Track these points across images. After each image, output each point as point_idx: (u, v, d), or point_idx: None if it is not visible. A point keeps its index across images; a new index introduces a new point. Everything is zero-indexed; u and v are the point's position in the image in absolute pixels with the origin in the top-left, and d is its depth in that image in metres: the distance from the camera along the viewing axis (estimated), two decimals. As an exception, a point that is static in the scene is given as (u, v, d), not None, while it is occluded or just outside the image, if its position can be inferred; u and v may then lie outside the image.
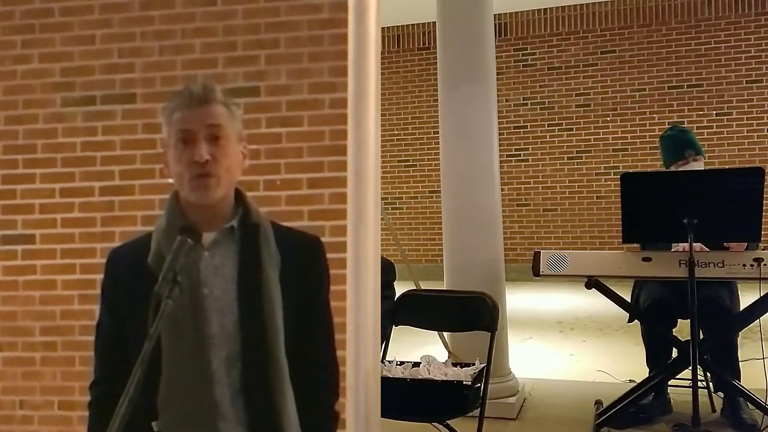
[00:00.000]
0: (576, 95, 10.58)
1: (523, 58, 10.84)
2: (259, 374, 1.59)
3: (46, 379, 1.91)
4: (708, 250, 3.51)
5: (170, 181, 1.66)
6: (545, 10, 10.68)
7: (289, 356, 1.62)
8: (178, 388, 1.58)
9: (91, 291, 1.83)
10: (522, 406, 4.18)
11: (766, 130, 9.81)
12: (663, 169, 4.18)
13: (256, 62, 1.87)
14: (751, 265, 3.33)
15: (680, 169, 3.94)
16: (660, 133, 4.41)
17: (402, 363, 3.12)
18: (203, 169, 1.60)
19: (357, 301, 1.62)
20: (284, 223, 1.75)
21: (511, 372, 4.27)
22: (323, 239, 1.76)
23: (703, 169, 3.94)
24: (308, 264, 1.69)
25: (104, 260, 1.70)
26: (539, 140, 10.77)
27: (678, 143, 4.02)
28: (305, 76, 1.84)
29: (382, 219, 2.28)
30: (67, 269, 1.91)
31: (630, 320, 3.95)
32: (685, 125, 9.60)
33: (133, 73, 1.92)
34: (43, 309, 1.91)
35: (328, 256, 1.71)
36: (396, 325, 3.36)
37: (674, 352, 3.77)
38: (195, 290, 1.59)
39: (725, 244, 3.55)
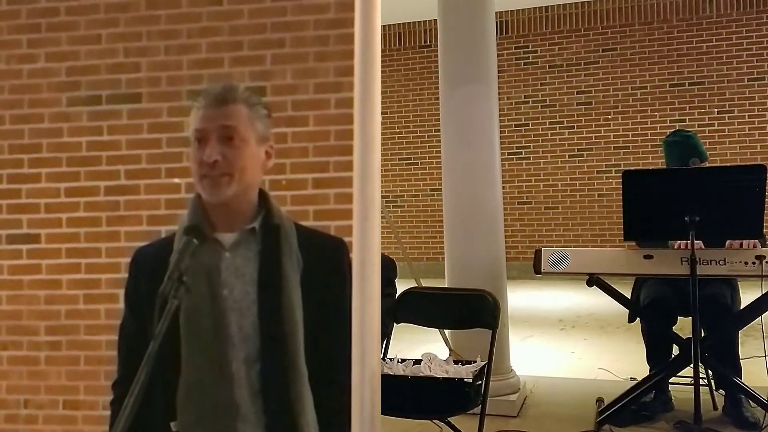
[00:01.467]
0: (577, 93, 10.58)
1: (525, 56, 10.85)
2: (278, 376, 1.59)
3: (51, 378, 1.91)
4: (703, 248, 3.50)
5: (176, 180, 1.67)
6: (546, 8, 10.68)
7: (308, 358, 1.61)
8: (198, 389, 1.58)
9: (96, 291, 1.84)
10: (523, 403, 4.18)
11: (767, 127, 9.81)
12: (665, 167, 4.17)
13: (261, 62, 1.87)
14: (753, 263, 3.33)
15: None
16: (661, 131, 4.42)
17: (403, 360, 3.12)
18: (212, 170, 1.61)
19: (362, 301, 1.61)
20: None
21: (512, 370, 4.27)
22: None
23: (702, 166, 3.93)
24: (331, 267, 1.68)
25: (109, 260, 1.71)
26: (540, 138, 10.78)
27: (682, 150, 3.97)
28: (311, 76, 1.84)
29: (383, 217, 2.29)
30: (72, 269, 1.91)
31: (631, 320, 3.95)
32: (687, 123, 9.63)
33: (139, 73, 1.92)
34: (48, 308, 1.91)
35: None
36: (397, 323, 3.37)
37: (675, 350, 3.78)
38: (215, 291, 1.59)
39: (728, 242, 3.55)
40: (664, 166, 4.17)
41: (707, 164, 4.00)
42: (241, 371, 1.59)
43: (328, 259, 1.69)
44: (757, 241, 3.48)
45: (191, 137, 1.65)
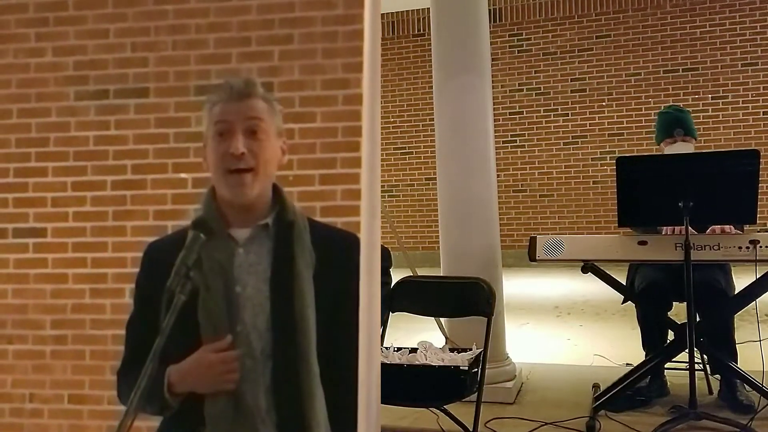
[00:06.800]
0: (571, 80, 10.57)
1: (518, 43, 10.83)
2: (289, 373, 1.59)
3: (57, 372, 1.92)
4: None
5: (183, 175, 1.66)
6: (540, -6, 10.67)
7: (320, 355, 1.61)
8: None
9: (102, 285, 1.85)
10: (519, 390, 4.19)
11: (761, 113, 9.83)
12: (658, 152, 4.19)
13: (269, 58, 1.87)
14: (747, 248, 3.34)
15: (668, 147, 3.95)
16: (655, 118, 4.42)
17: (399, 349, 3.14)
18: (239, 163, 1.60)
19: (370, 297, 1.59)
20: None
21: (508, 357, 4.28)
22: None
23: (696, 152, 3.94)
24: (344, 262, 1.66)
25: (116, 254, 1.71)
26: (535, 126, 10.78)
27: (670, 121, 4.03)
28: (318, 73, 1.84)
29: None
30: (79, 263, 1.91)
31: (624, 301, 3.98)
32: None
33: (147, 68, 1.92)
34: (54, 302, 1.92)
35: None
36: (393, 312, 3.38)
37: (670, 335, 3.80)
38: (229, 288, 1.59)
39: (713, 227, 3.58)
40: (659, 153, 4.18)
41: (693, 144, 4.00)
42: (255, 368, 1.59)
43: (341, 255, 1.67)
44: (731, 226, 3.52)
45: (210, 131, 1.63)
